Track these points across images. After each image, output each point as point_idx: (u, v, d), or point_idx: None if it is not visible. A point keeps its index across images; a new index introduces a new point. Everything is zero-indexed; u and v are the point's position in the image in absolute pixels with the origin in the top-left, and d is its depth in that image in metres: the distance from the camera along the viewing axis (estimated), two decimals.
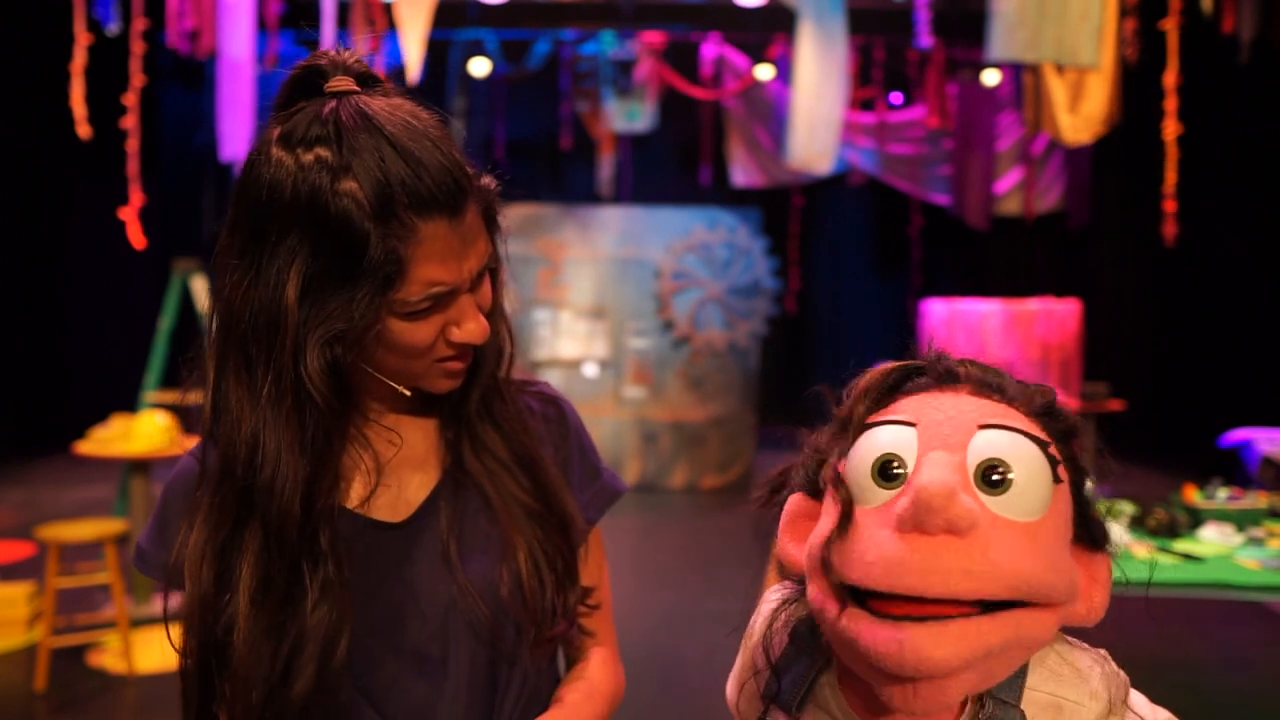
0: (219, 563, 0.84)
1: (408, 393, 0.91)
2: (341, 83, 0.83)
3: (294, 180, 0.78)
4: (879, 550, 0.63)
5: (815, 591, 0.68)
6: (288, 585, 0.83)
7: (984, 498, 0.64)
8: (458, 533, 0.91)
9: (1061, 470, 0.67)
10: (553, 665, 1.01)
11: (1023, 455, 0.65)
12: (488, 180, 0.89)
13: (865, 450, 0.69)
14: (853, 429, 0.72)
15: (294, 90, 0.84)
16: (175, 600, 0.89)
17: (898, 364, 0.76)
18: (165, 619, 0.90)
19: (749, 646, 0.88)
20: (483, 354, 0.93)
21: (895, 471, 0.67)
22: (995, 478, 0.64)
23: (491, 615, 0.89)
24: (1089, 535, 0.70)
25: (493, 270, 0.91)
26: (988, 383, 0.72)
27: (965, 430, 0.66)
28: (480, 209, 0.86)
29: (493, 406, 0.95)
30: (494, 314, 0.92)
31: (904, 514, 0.62)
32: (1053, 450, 0.67)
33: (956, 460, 0.65)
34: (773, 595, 0.88)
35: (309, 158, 0.79)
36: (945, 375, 0.73)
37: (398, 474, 0.94)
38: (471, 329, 0.86)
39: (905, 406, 0.71)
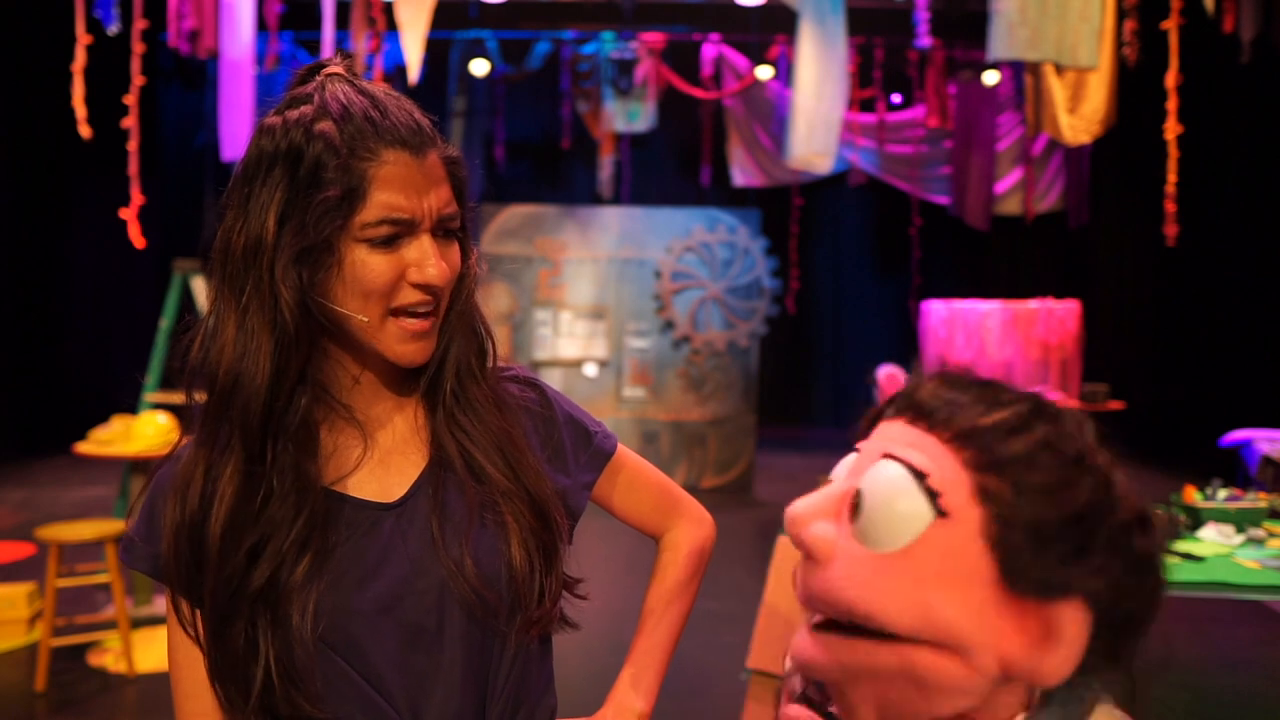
0: (206, 482, 0.90)
1: (381, 350, 0.93)
2: (333, 68, 0.94)
3: (278, 133, 0.89)
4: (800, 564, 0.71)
5: None
6: (259, 481, 0.90)
7: (851, 525, 0.68)
8: (441, 514, 0.96)
9: (946, 503, 0.63)
10: (545, 646, 1.05)
11: (880, 484, 0.65)
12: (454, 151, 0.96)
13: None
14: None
15: (294, 86, 0.94)
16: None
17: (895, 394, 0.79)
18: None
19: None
20: (452, 340, 0.98)
21: None
22: (856, 505, 0.67)
23: (477, 593, 0.94)
24: (1032, 583, 0.63)
25: (462, 243, 0.97)
26: (926, 408, 0.69)
27: (871, 459, 0.69)
28: (444, 163, 0.93)
29: (469, 392, 1.00)
30: (464, 298, 0.98)
31: None
32: (931, 482, 0.64)
33: (846, 488, 0.69)
34: None
35: (293, 115, 0.89)
36: (901, 401, 0.72)
37: (389, 460, 0.99)
38: (431, 270, 0.90)
39: (874, 432, 0.73)
